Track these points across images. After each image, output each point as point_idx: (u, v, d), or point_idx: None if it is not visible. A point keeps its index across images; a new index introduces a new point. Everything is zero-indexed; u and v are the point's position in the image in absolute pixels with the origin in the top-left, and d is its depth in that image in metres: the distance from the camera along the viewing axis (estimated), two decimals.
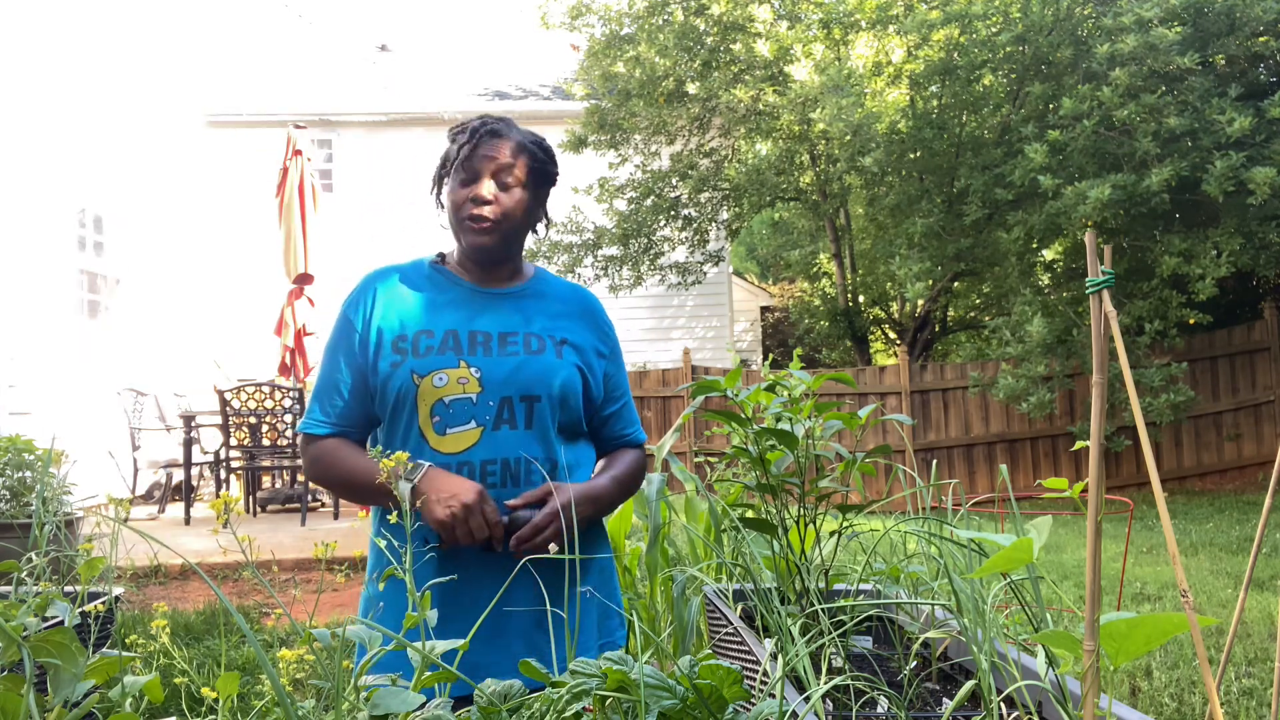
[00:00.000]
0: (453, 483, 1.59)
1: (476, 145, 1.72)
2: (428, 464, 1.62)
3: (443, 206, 1.80)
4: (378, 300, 1.75)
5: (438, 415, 1.67)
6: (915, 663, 1.33)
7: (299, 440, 1.80)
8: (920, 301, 12.56)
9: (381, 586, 1.58)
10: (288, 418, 7.46)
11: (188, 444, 7.60)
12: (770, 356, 18.63)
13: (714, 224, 12.89)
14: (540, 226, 1.84)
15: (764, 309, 19.77)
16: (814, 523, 1.73)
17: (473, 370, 1.68)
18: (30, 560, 1.18)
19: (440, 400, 1.67)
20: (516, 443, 1.68)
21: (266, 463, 7.88)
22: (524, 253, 1.89)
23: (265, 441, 7.52)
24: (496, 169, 1.72)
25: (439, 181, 1.80)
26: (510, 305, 1.78)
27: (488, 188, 1.71)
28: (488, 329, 1.73)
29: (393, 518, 1.17)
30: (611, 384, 1.86)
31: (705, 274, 13.11)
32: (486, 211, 1.71)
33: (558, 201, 12.46)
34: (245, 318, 11.86)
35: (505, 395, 1.68)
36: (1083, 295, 10.14)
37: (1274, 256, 9.20)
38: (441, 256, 1.85)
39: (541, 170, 1.78)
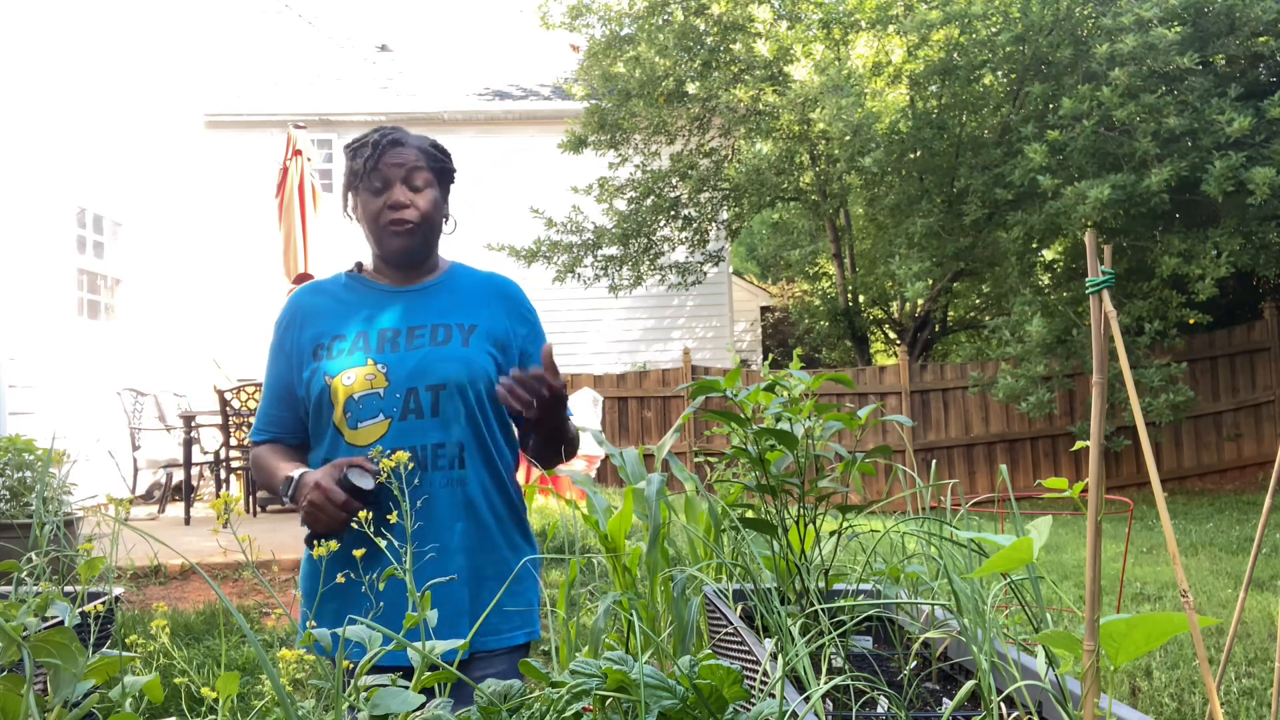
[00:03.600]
0: (306, 480, 1.67)
1: (382, 155, 1.82)
2: (296, 475, 1.71)
3: (352, 218, 1.91)
4: (298, 315, 1.89)
5: (349, 411, 1.78)
6: (915, 663, 1.33)
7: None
8: (920, 301, 12.56)
9: (316, 555, 1.60)
10: None
11: (188, 444, 7.59)
12: (770, 356, 18.63)
13: (714, 224, 12.89)
14: (447, 224, 1.94)
15: (764, 309, 19.77)
16: (814, 523, 1.73)
17: (379, 366, 1.79)
18: (30, 560, 1.18)
19: (350, 397, 1.78)
20: (424, 430, 1.76)
21: None
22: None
23: None
24: (406, 174, 1.83)
25: (347, 196, 1.89)
26: (420, 300, 1.88)
27: (402, 193, 1.82)
28: (396, 325, 1.84)
29: (363, 515, 1.24)
30: (533, 363, 1.90)
31: (705, 274, 13.10)
32: (407, 215, 1.82)
33: (558, 201, 12.52)
34: (245, 318, 11.86)
35: (411, 387, 1.77)
36: (1083, 295, 10.13)
37: (1274, 256, 9.21)
38: (359, 266, 1.96)
39: (443, 169, 1.89)
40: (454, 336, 1.83)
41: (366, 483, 1.63)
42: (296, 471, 1.72)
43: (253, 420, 7.80)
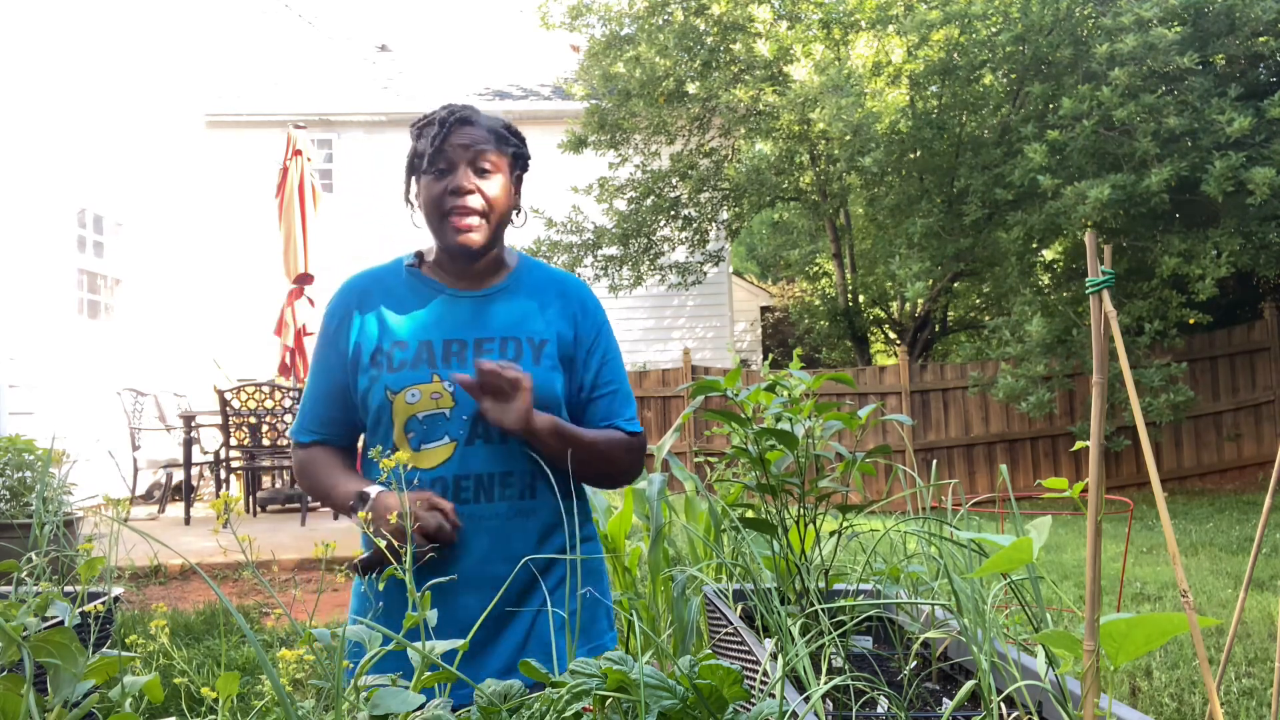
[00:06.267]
0: (386, 502, 1.54)
1: (449, 134, 1.64)
2: (374, 491, 1.57)
3: (413, 206, 1.72)
4: (356, 310, 1.71)
5: (412, 431, 1.63)
6: (915, 663, 1.33)
7: (290, 443, 1.80)
8: (920, 301, 12.56)
9: (382, 586, 1.59)
10: (287, 418, 7.46)
11: (188, 444, 7.59)
12: (770, 356, 18.63)
13: (714, 224, 12.89)
14: (517, 217, 1.76)
15: (764, 309, 19.77)
16: (814, 523, 1.73)
17: (445, 384, 1.63)
18: (30, 560, 1.18)
19: (414, 416, 1.63)
20: (491, 457, 1.62)
21: (266, 463, 7.87)
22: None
23: (265, 441, 7.51)
24: (473, 156, 1.64)
25: (410, 180, 1.72)
26: (488, 308, 1.71)
27: (467, 177, 1.64)
28: (463, 337, 1.67)
29: (362, 515, 1.18)
30: (599, 374, 1.76)
31: (705, 274, 13.11)
32: (470, 202, 1.63)
33: (558, 201, 12.52)
34: (245, 318, 11.87)
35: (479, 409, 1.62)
36: (1083, 295, 10.14)
37: (1274, 256, 9.20)
38: (419, 256, 1.77)
39: (517, 154, 1.72)
40: (524, 353, 1.67)
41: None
42: (372, 489, 1.57)
43: (252, 420, 7.79)
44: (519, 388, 1.55)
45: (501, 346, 1.67)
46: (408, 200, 1.74)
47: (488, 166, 1.66)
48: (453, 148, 1.64)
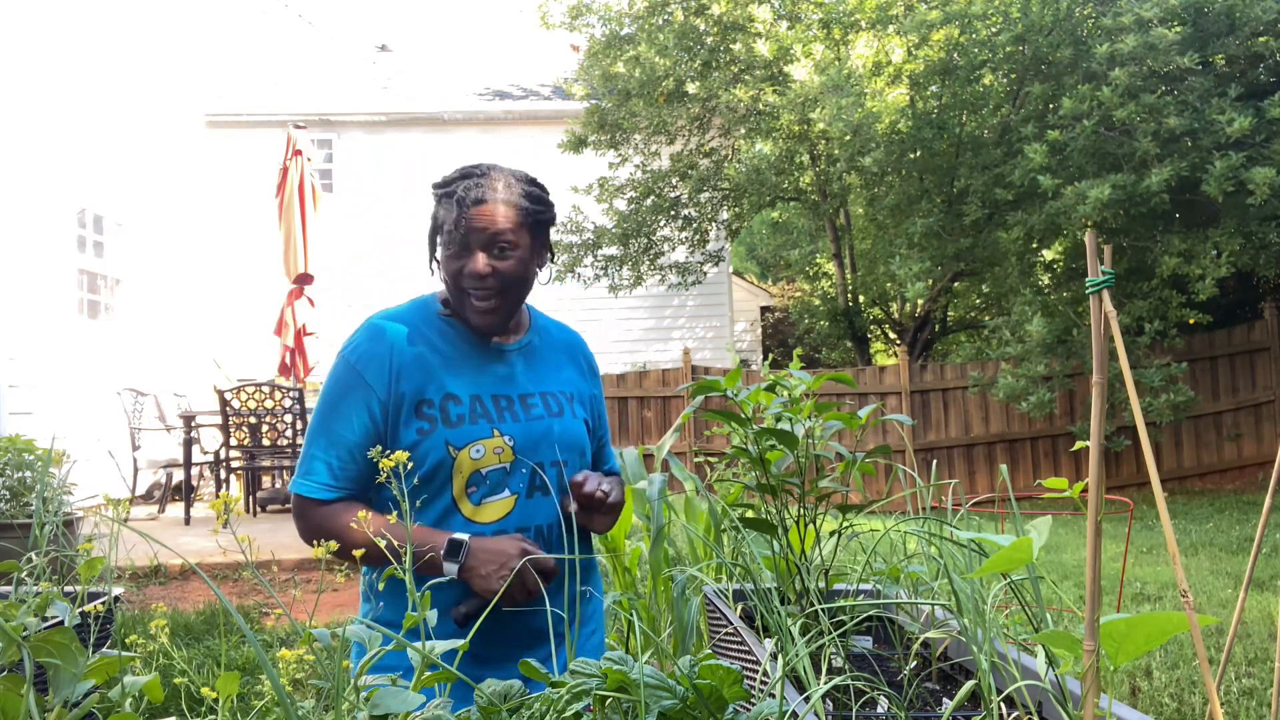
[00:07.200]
0: (495, 547, 1.57)
1: (465, 217, 1.62)
2: (466, 538, 1.57)
3: (437, 264, 1.71)
4: (393, 358, 1.65)
5: (474, 485, 1.63)
6: (915, 663, 1.33)
7: (293, 500, 1.67)
8: (920, 301, 12.56)
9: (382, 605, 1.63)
10: (288, 418, 7.46)
11: (188, 444, 7.59)
12: (770, 356, 18.63)
13: (714, 224, 12.89)
14: (543, 272, 1.77)
15: (764, 309, 19.77)
16: (814, 523, 1.73)
17: (506, 439, 1.65)
18: (30, 560, 1.18)
19: (477, 471, 1.63)
20: (548, 509, 1.68)
21: (266, 463, 7.88)
22: None
23: (265, 441, 7.51)
24: (488, 240, 1.62)
25: (432, 245, 1.71)
26: (521, 363, 1.76)
27: (483, 262, 1.62)
28: (508, 392, 1.70)
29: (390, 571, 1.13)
30: (598, 422, 1.89)
31: (705, 274, 13.11)
32: (488, 284, 1.63)
33: (558, 201, 12.45)
34: (245, 318, 11.87)
35: (538, 461, 1.68)
36: (1083, 295, 10.14)
37: (1274, 256, 9.20)
38: (445, 303, 1.76)
39: (537, 221, 1.69)
40: (564, 408, 1.75)
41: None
42: (462, 536, 1.57)
43: (252, 420, 7.78)
44: (606, 504, 1.66)
45: (544, 401, 1.73)
46: (433, 258, 1.71)
47: (505, 244, 1.64)
48: (469, 230, 1.62)
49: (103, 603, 1.23)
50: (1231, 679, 3.67)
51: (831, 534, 1.79)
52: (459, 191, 1.63)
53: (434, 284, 1.80)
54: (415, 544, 1.54)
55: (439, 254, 1.69)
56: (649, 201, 12.29)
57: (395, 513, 1.63)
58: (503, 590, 1.51)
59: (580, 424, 1.77)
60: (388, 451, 1.57)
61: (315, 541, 1.60)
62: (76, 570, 1.11)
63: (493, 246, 1.63)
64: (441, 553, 1.54)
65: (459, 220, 1.62)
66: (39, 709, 0.91)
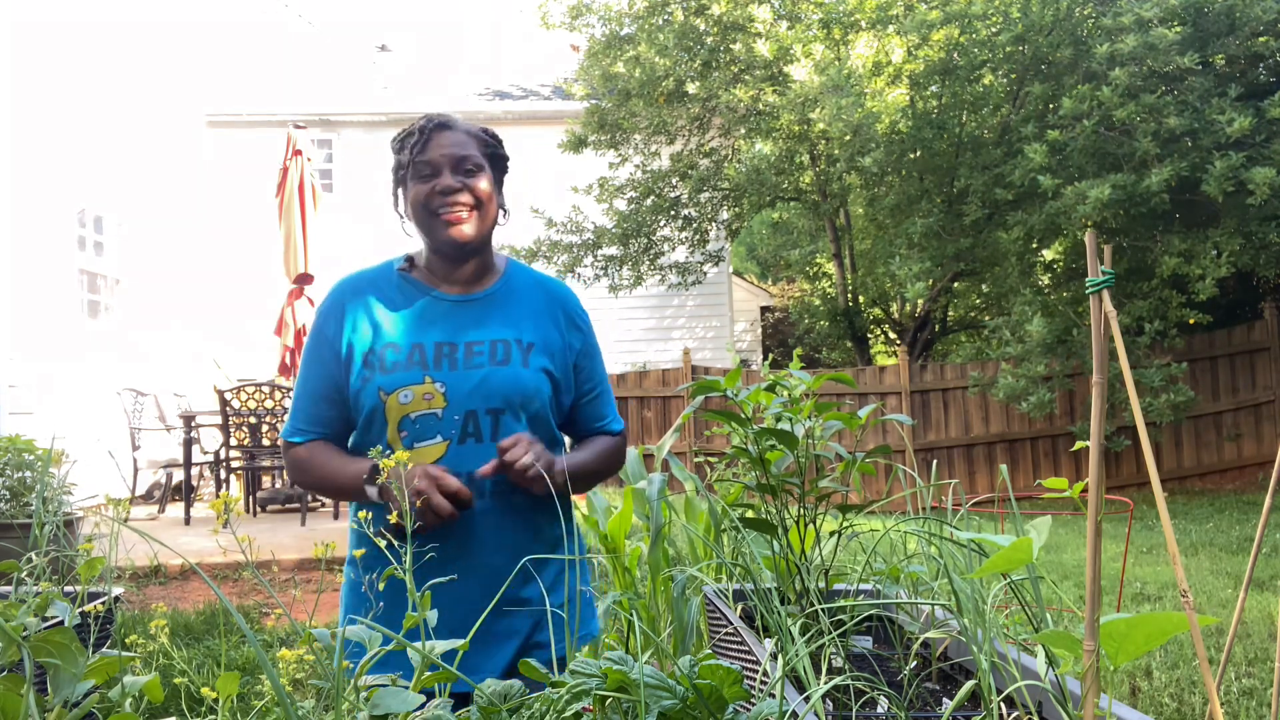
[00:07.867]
0: (406, 473, 1.61)
1: (429, 140, 1.72)
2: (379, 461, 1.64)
3: (403, 216, 1.79)
4: (348, 312, 1.76)
5: (404, 430, 1.69)
6: (915, 663, 1.33)
7: (281, 445, 1.84)
8: (920, 301, 12.56)
9: (381, 586, 1.60)
10: (287, 418, 7.45)
11: (188, 444, 7.59)
12: (770, 356, 18.63)
13: (714, 224, 12.89)
14: (503, 217, 1.83)
15: (764, 309, 19.77)
16: (814, 523, 1.73)
17: (438, 385, 1.69)
18: (30, 560, 1.18)
19: (406, 416, 1.68)
20: (482, 456, 1.67)
21: (266, 463, 7.87)
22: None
23: (265, 441, 7.51)
24: (455, 159, 1.72)
25: (397, 191, 1.78)
26: (478, 312, 1.77)
27: (452, 178, 1.71)
28: (453, 339, 1.73)
29: (363, 515, 1.18)
30: (583, 376, 1.85)
31: (705, 274, 13.11)
32: (460, 199, 1.70)
33: (558, 201, 12.53)
34: (245, 318, 11.87)
35: (470, 409, 1.68)
36: (1083, 295, 10.14)
37: (1274, 256, 9.20)
38: (410, 260, 1.83)
39: (495, 155, 1.79)
40: (513, 355, 1.73)
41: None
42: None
43: (252, 420, 7.78)
44: (524, 478, 1.62)
45: (491, 349, 1.73)
46: (397, 211, 1.80)
47: (471, 167, 1.73)
48: (435, 152, 1.71)
49: (103, 603, 1.23)
50: (1231, 679, 3.67)
51: (831, 534, 1.79)
52: (420, 124, 1.74)
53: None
54: (357, 471, 1.68)
55: (406, 193, 1.75)
56: (649, 201, 12.29)
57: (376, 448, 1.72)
58: (411, 511, 1.55)
59: (536, 374, 1.74)
60: (348, 398, 1.73)
61: (296, 478, 1.81)
62: (76, 570, 1.11)
63: (460, 168, 1.72)
64: (364, 477, 1.66)
65: (425, 146, 1.71)
66: (39, 709, 0.91)
